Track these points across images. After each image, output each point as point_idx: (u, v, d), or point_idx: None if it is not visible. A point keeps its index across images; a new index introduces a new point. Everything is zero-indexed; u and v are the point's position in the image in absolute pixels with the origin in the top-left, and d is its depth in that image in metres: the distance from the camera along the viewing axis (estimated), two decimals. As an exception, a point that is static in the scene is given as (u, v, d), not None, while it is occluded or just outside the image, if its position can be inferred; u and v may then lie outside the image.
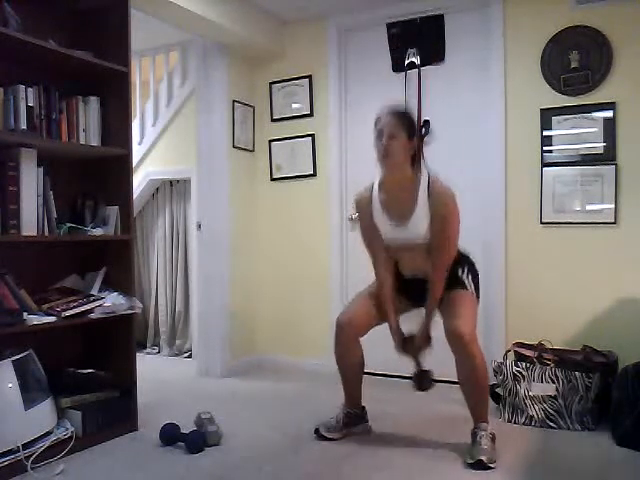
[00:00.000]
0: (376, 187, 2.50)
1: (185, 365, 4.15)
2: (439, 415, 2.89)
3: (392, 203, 2.44)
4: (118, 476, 2.20)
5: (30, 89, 2.37)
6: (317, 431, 2.55)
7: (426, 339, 2.48)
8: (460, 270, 2.47)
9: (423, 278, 2.43)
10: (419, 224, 2.37)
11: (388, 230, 2.46)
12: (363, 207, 2.54)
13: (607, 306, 3.05)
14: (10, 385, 2.22)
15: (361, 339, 2.55)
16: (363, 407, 2.66)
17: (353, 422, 2.60)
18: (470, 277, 2.47)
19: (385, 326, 2.56)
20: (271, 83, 3.98)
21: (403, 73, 3.58)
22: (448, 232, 2.37)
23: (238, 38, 3.63)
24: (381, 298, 2.53)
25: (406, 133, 2.36)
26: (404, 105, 2.93)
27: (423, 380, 2.53)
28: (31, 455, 2.19)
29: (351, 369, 2.57)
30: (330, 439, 2.52)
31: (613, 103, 3.04)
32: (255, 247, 4.05)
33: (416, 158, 2.42)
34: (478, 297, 2.50)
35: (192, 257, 4.35)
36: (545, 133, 3.21)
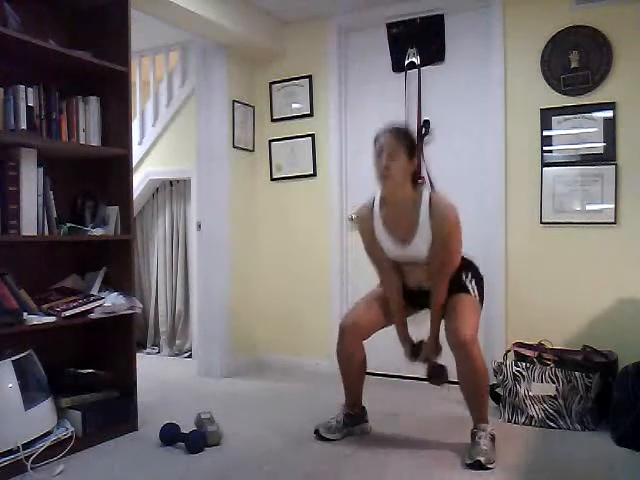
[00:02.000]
0: (377, 203, 2.46)
1: (185, 365, 4.15)
2: (439, 415, 2.89)
3: (394, 222, 2.41)
4: (118, 476, 2.20)
5: (30, 89, 2.37)
6: (317, 432, 2.54)
7: (435, 349, 2.48)
8: (464, 275, 2.46)
9: (428, 290, 2.44)
10: (422, 245, 2.35)
11: (391, 249, 2.44)
12: (364, 222, 2.51)
13: (607, 306, 3.04)
14: (10, 385, 2.22)
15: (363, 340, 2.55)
16: (363, 407, 2.66)
17: (353, 422, 2.60)
18: (474, 282, 2.47)
19: (386, 328, 2.57)
20: (271, 83, 3.98)
21: (403, 73, 3.58)
22: (451, 249, 2.36)
23: (238, 38, 3.63)
24: (389, 306, 2.53)
25: (406, 154, 2.32)
26: (404, 123, 2.88)
27: (438, 374, 2.53)
28: (31, 455, 2.19)
29: (353, 370, 2.56)
30: (330, 440, 2.51)
31: (613, 103, 3.04)
32: (255, 247, 4.05)
33: (416, 177, 2.41)
34: (482, 302, 2.49)
35: (192, 257, 4.35)
36: (545, 133, 3.20)
